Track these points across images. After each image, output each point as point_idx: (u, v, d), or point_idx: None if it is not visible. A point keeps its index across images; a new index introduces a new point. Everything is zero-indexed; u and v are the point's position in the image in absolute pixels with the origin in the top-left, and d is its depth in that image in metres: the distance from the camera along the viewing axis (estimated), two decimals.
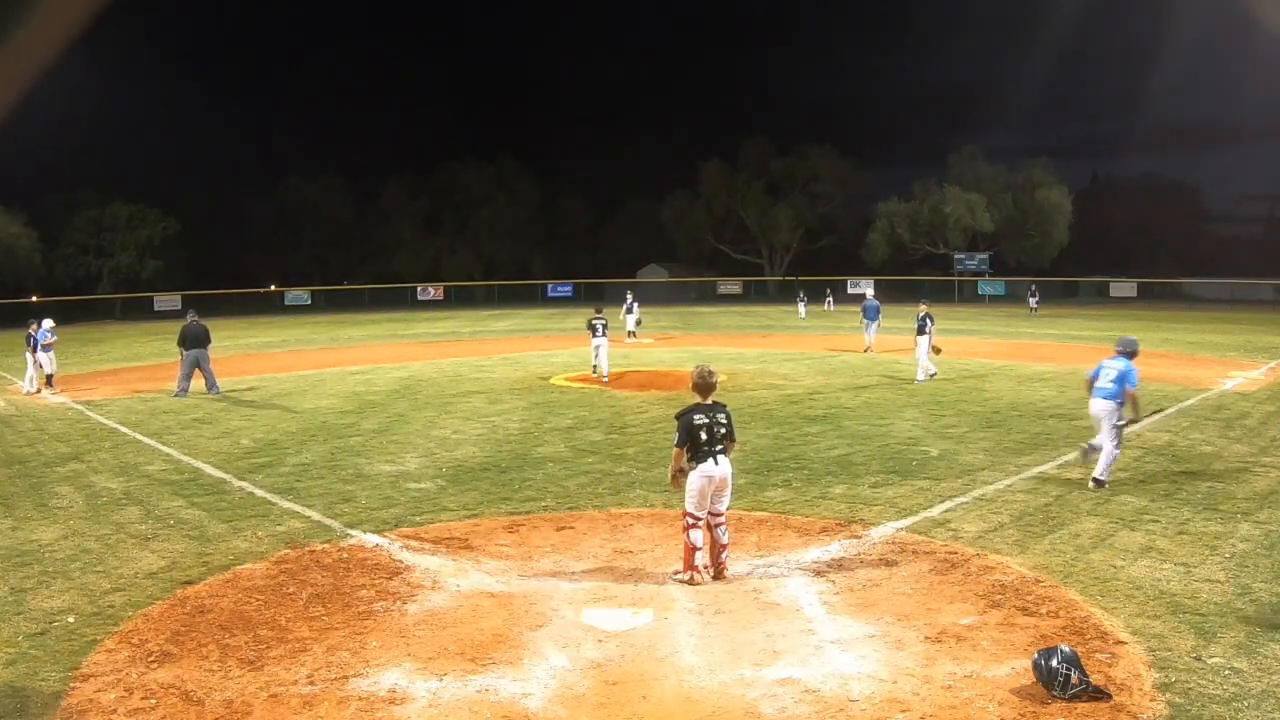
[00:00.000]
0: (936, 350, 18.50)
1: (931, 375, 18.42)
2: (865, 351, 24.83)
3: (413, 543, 7.81)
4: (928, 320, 18.44)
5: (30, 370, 19.35)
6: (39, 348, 19.13)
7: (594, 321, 19.33)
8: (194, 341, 18.19)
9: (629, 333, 30.77)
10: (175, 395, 17.68)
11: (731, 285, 73.11)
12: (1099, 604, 6.13)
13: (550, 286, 73.28)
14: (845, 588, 6.54)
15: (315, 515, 8.76)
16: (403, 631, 5.87)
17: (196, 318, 18.95)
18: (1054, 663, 4.81)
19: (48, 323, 19.53)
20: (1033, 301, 48.81)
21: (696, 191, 77.99)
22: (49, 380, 19.31)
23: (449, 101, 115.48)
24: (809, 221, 76.45)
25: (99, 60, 60.75)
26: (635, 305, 31.45)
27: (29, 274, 59.15)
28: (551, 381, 19.08)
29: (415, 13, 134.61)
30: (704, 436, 6.77)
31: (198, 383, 18.13)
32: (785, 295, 68.34)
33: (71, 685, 5.16)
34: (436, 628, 5.92)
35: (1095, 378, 9.62)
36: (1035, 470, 10.18)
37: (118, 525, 8.57)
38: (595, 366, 19.33)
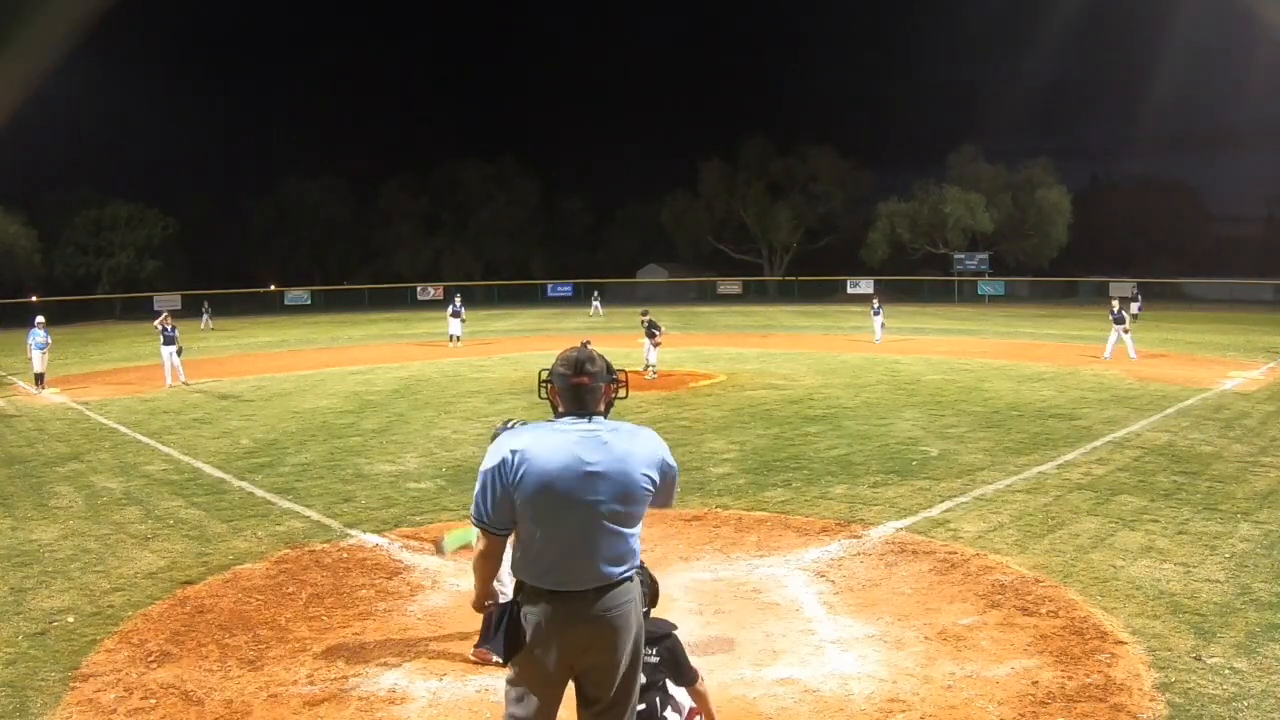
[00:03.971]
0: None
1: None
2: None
3: (413, 543, 7.81)
4: (1123, 313, 22.14)
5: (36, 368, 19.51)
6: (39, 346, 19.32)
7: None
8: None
9: (452, 336, 29.04)
10: None
11: (731, 285, 73.11)
12: (1099, 604, 6.12)
13: (550, 286, 73.31)
14: (845, 588, 6.54)
15: (315, 515, 8.76)
16: (403, 631, 5.87)
17: None
18: None
19: (39, 319, 19.81)
20: (1134, 307, 36.46)
21: (696, 191, 78.01)
22: (38, 379, 19.42)
23: (449, 101, 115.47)
24: (809, 221, 76.47)
25: (99, 60, 60.85)
26: (462, 308, 29.57)
27: (29, 274, 59.15)
28: None
29: (415, 13, 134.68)
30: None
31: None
32: (785, 295, 68.49)
33: (71, 685, 5.16)
34: (436, 628, 5.91)
35: None
36: (1035, 470, 10.18)
37: (118, 525, 8.57)
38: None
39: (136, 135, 78.88)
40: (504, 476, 3.13)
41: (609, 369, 3.35)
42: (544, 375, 3.39)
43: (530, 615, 3.16)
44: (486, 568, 3.35)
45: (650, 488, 3.22)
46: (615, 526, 3.15)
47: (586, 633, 3.16)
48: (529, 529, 3.16)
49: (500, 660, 3.22)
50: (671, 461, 3.31)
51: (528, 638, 3.16)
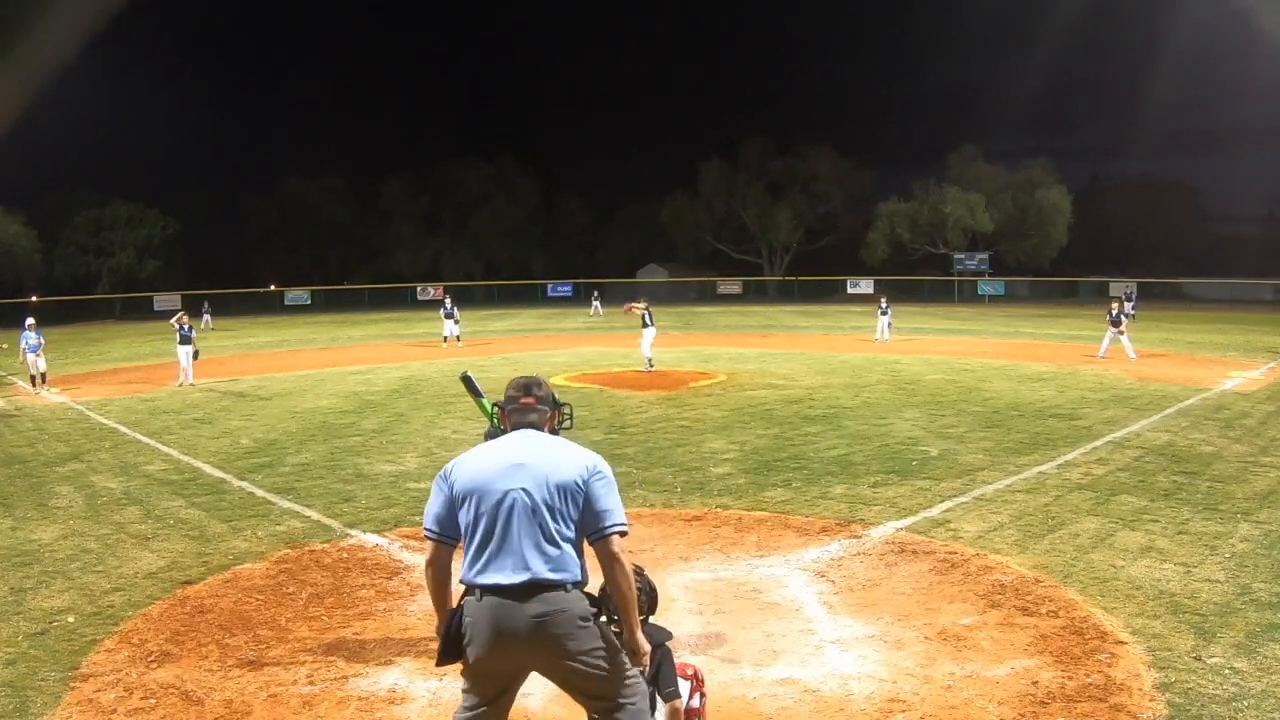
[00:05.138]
0: None
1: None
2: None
3: (413, 543, 7.81)
4: (1122, 315, 22.49)
5: (31, 371, 19.55)
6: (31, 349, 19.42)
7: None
8: None
9: (446, 337, 29.21)
10: None
11: (731, 285, 73.15)
12: (1099, 604, 6.12)
13: (550, 286, 73.32)
14: (845, 588, 6.54)
15: (315, 515, 8.76)
16: (403, 631, 5.87)
17: None
18: None
19: (29, 321, 19.85)
20: (1128, 307, 32.25)
21: (696, 191, 77.99)
22: (35, 379, 19.47)
23: (449, 101, 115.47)
24: (809, 221, 76.48)
25: (99, 61, 60.89)
26: (454, 309, 29.67)
27: (29, 274, 59.18)
28: (552, 381, 19.09)
29: (416, 12, 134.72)
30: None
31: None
32: (785, 295, 68.52)
33: (71, 685, 5.16)
34: None
35: None
36: (1035, 470, 10.18)
37: (117, 525, 8.57)
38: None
39: (136, 135, 79.06)
40: (444, 480, 3.36)
41: (554, 399, 3.61)
42: (495, 418, 3.74)
43: (466, 613, 3.24)
44: (430, 579, 3.38)
45: (578, 485, 3.25)
46: (540, 521, 3.21)
47: (521, 641, 3.16)
48: (463, 525, 3.30)
49: (436, 661, 3.35)
50: (605, 471, 3.35)
51: (467, 639, 3.22)
